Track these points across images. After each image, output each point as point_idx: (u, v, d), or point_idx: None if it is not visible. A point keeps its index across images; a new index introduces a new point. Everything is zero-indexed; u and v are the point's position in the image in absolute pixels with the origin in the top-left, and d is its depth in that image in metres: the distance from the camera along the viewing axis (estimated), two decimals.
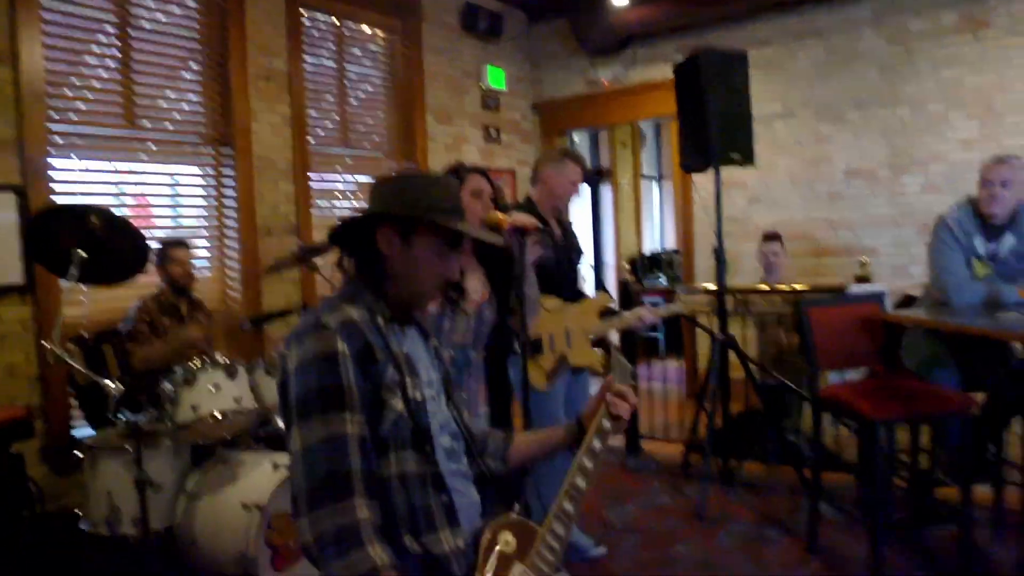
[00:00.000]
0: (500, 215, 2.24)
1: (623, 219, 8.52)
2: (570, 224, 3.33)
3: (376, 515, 1.27)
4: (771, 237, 4.65)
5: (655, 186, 9.47)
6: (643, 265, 8.09)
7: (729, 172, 5.53)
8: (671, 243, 8.75)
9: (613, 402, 1.48)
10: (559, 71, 6.51)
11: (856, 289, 3.81)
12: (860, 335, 3.11)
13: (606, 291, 3.33)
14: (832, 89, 5.28)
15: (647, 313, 3.20)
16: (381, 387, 1.33)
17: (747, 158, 3.77)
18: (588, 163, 3.33)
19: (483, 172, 2.48)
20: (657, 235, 9.45)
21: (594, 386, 2.44)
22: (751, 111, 3.83)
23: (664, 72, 3.99)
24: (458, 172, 2.43)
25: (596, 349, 3.17)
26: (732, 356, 3.93)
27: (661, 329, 7.78)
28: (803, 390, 3.89)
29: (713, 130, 3.65)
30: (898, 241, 5.08)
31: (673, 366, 6.60)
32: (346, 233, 1.47)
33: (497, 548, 1.33)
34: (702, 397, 4.09)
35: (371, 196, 1.49)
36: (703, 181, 4.13)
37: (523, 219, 2.21)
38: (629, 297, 4.72)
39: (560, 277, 3.08)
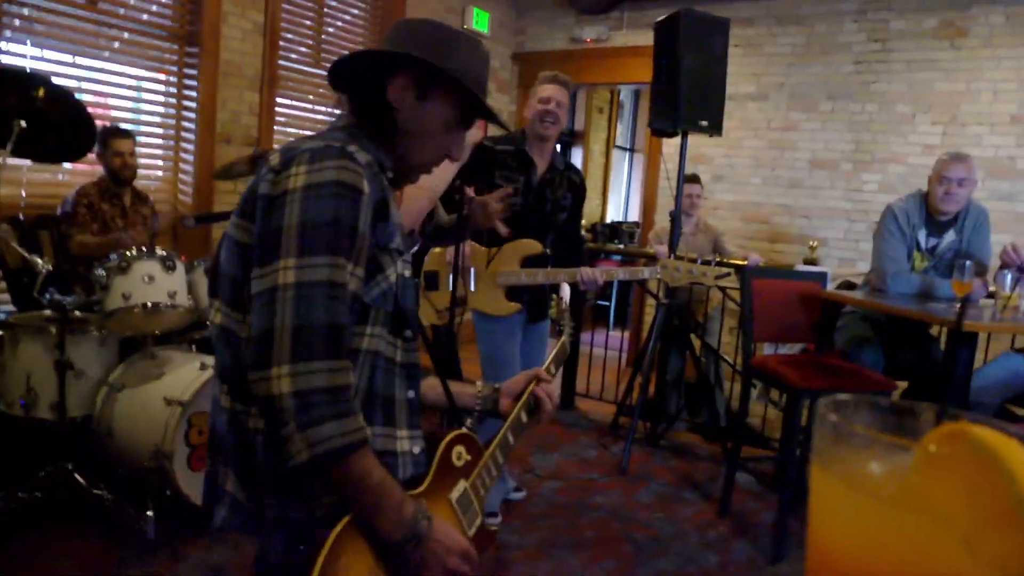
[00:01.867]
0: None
1: (590, 185, 8.52)
2: (565, 168, 2.97)
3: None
4: (690, 179, 4.55)
5: (627, 157, 9.49)
6: (603, 232, 8.14)
7: (697, 147, 5.61)
8: (635, 216, 8.81)
9: (543, 392, 1.43)
10: (544, 24, 6.43)
11: (802, 268, 3.89)
12: (799, 311, 3.19)
13: (535, 239, 2.89)
14: (807, 77, 5.33)
15: (594, 273, 2.75)
16: (384, 250, 1.16)
17: (715, 127, 3.78)
18: (571, 87, 2.88)
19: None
20: (622, 206, 9.50)
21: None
22: (725, 80, 3.83)
23: (649, 38, 3.97)
24: None
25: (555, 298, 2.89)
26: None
27: (612, 299, 7.89)
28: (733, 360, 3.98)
29: (684, 93, 3.64)
30: (849, 235, 5.20)
31: (619, 336, 6.68)
32: (353, 69, 1.25)
33: (451, 458, 1.26)
34: (640, 361, 4.17)
35: (394, 36, 1.25)
36: (671, 153, 4.12)
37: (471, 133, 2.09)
38: (581, 258, 4.75)
39: (525, 224, 2.79)
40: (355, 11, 5.16)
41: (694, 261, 2.77)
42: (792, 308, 3.14)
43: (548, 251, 2.90)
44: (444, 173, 2.05)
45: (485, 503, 1.32)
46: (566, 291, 2.60)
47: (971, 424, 0.32)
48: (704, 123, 3.74)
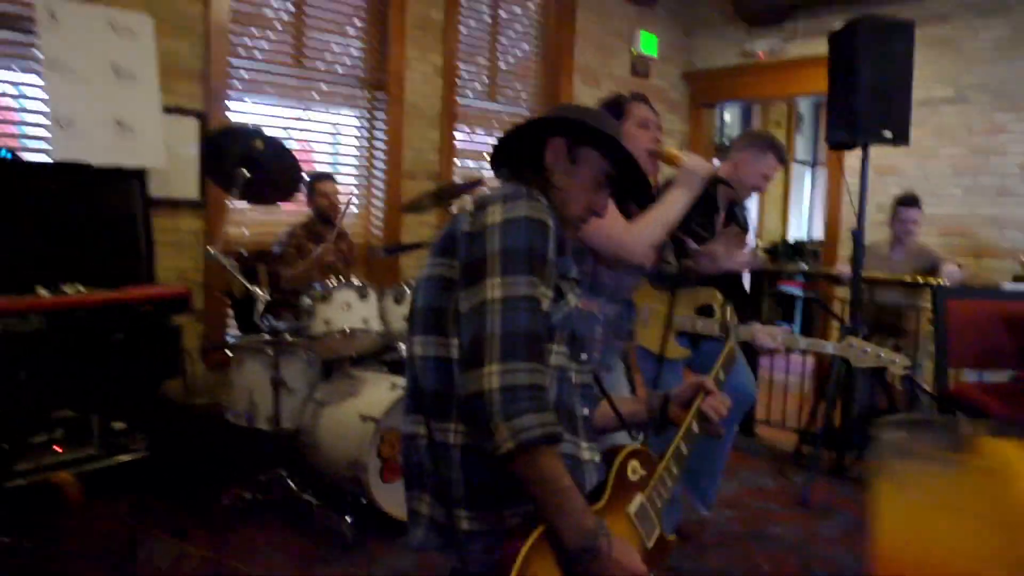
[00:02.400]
0: (675, 151, 2.10)
1: (769, 203, 8.21)
2: (742, 212, 2.97)
3: None
4: (907, 202, 4.27)
5: (808, 172, 9.02)
6: (785, 252, 7.78)
7: (884, 157, 5.23)
8: (819, 233, 8.33)
9: (709, 408, 1.46)
10: (713, 40, 6.33)
11: (1009, 287, 3.51)
12: (1003, 333, 2.90)
13: (717, 289, 2.87)
14: (1015, 73, 4.80)
15: (771, 335, 2.46)
16: (564, 278, 1.32)
17: (901, 137, 3.54)
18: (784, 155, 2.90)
19: (645, 99, 2.21)
20: (805, 223, 9.02)
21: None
22: (911, 86, 3.58)
23: (825, 47, 3.80)
24: (618, 102, 2.16)
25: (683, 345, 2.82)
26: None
27: (797, 320, 7.49)
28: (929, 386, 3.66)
29: (863, 103, 3.45)
30: None
31: (802, 360, 6.34)
32: (514, 142, 1.46)
33: (627, 472, 1.33)
34: (824, 387, 3.96)
35: (548, 113, 1.50)
36: (856, 166, 3.88)
37: (701, 163, 2.06)
38: (760, 281, 4.61)
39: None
40: (526, 46, 5.40)
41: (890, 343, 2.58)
42: (995, 330, 2.87)
43: (727, 304, 2.83)
44: (677, 204, 2.06)
45: (663, 517, 1.36)
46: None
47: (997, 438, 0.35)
48: (888, 133, 3.52)
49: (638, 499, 1.32)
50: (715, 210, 2.81)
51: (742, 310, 2.79)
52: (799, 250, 7.75)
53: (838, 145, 3.79)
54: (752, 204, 8.07)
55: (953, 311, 2.89)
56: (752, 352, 4.64)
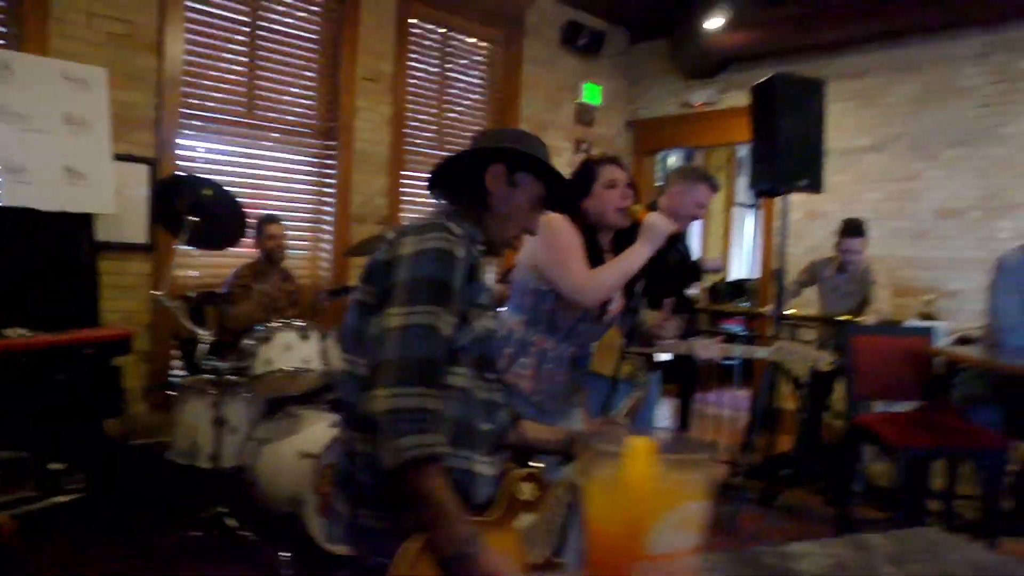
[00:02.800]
0: (640, 209, 2.23)
1: (711, 243, 8.52)
2: (682, 247, 3.13)
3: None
4: (850, 232, 4.33)
5: (750, 214, 9.38)
6: (726, 291, 8.06)
7: (812, 203, 5.56)
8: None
9: None
10: (655, 90, 6.66)
11: (909, 324, 3.77)
12: (904, 367, 3.12)
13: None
14: (927, 125, 5.18)
15: (698, 348, 2.51)
16: (473, 304, 1.41)
17: (815, 185, 3.81)
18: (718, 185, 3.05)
19: (615, 160, 2.32)
20: (747, 263, 9.35)
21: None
22: (824, 139, 3.87)
23: None
24: (588, 165, 2.28)
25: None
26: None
27: (738, 359, 7.72)
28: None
29: (782, 154, 3.72)
30: (984, 286, 4.90)
31: (745, 394, 6.56)
32: (454, 167, 1.56)
33: (519, 491, 1.42)
34: (754, 420, 4.15)
35: (484, 137, 1.61)
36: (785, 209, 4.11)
37: (662, 221, 2.17)
38: (694, 319, 4.81)
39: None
40: (475, 95, 5.64)
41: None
42: (896, 365, 3.08)
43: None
44: (639, 257, 2.19)
45: (560, 541, 1.46)
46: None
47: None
48: (803, 182, 3.78)
49: (527, 518, 1.44)
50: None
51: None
52: (740, 289, 8.03)
53: (762, 192, 4.04)
54: (695, 245, 8.37)
55: (860, 347, 3.10)
56: (689, 389, 4.84)
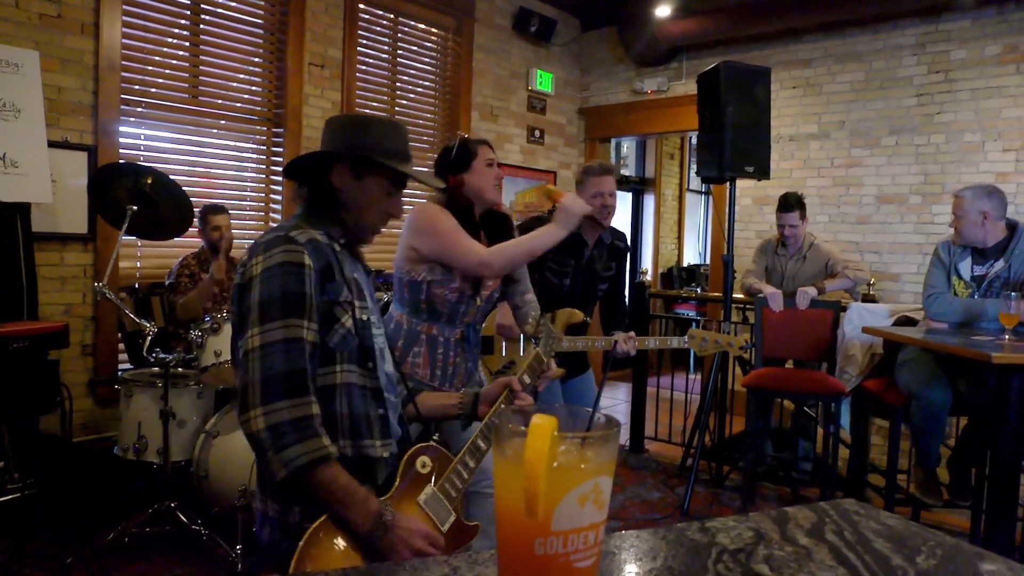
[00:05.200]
0: (556, 189, 2.35)
1: (664, 230, 8.63)
2: (610, 240, 3.13)
3: (320, 414, 1.38)
4: (785, 207, 4.31)
5: (702, 200, 9.54)
6: (680, 276, 8.19)
7: (760, 188, 5.68)
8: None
9: (519, 400, 1.65)
10: (606, 78, 6.71)
11: (856, 306, 3.89)
12: (806, 334, 3.63)
13: (578, 309, 2.94)
14: (868, 113, 5.33)
15: (627, 344, 2.75)
16: (335, 304, 1.46)
17: (762, 171, 3.89)
18: (619, 172, 3.15)
19: (489, 143, 2.42)
20: (702, 248, 9.52)
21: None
22: (770, 126, 3.95)
23: None
24: (467, 144, 2.37)
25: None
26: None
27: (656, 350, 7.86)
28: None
29: (729, 141, 3.78)
30: (923, 268, 5.08)
31: (699, 378, 6.69)
32: (302, 168, 1.61)
33: (415, 466, 1.50)
34: (704, 403, 4.24)
35: (327, 133, 1.61)
36: (737, 195, 4.18)
37: (578, 202, 2.28)
38: (646, 304, 4.88)
39: (573, 301, 2.99)
40: (426, 82, 5.60)
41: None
42: (798, 332, 3.77)
43: (588, 320, 3.04)
44: (549, 237, 2.25)
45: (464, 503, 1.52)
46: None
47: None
48: (750, 168, 3.86)
49: (428, 489, 1.51)
50: (583, 244, 3.02)
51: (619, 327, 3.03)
52: (693, 274, 8.17)
53: (709, 179, 4.11)
54: (648, 231, 8.48)
55: (767, 315, 3.44)
56: (642, 373, 4.91)
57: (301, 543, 1.29)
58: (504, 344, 3.00)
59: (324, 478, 1.32)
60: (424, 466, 1.52)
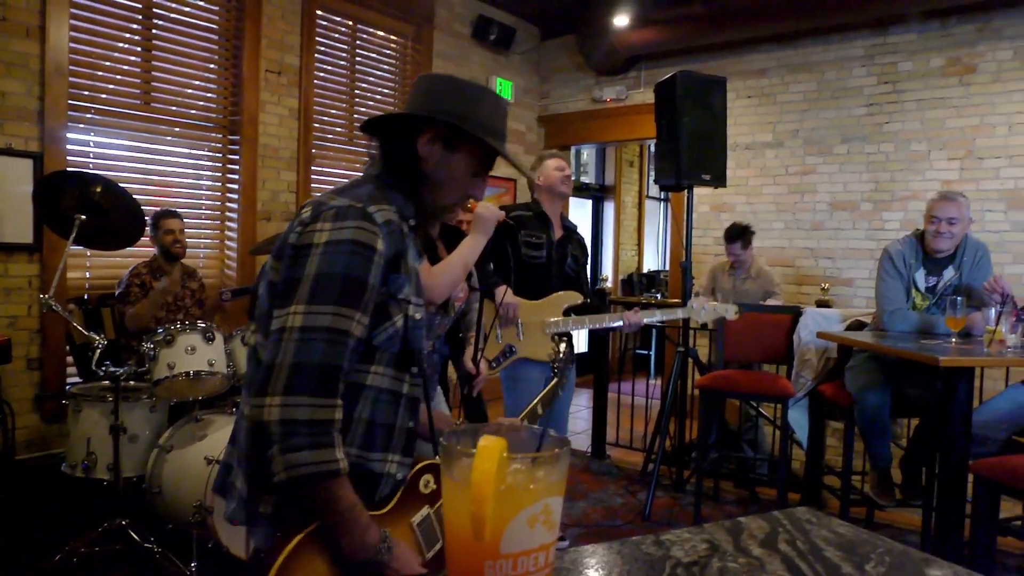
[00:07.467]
0: (472, 201, 2.39)
1: (624, 237, 8.71)
2: (575, 229, 3.34)
3: (340, 420, 1.22)
4: (728, 238, 4.75)
5: (660, 207, 9.65)
6: (640, 283, 8.27)
7: (717, 196, 5.76)
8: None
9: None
10: (566, 86, 6.75)
11: (812, 311, 3.97)
12: (766, 338, 3.84)
13: (577, 291, 3.24)
14: (821, 122, 5.46)
15: (637, 316, 3.07)
16: (392, 299, 1.29)
17: (718, 179, 3.95)
18: (579, 180, 3.41)
19: None
20: (661, 254, 9.63)
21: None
22: (726, 135, 4.01)
23: None
24: None
25: (555, 341, 3.13)
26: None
27: (652, 347, 7.96)
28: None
29: (685, 149, 3.84)
30: (875, 274, 5.21)
31: (659, 384, 6.75)
32: (385, 126, 1.41)
33: (418, 485, 1.38)
34: (664, 408, 4.28)
35: (420, 92, 1.40)
36: (696, 202, 4.29)
37: (492, 209, 2.27)
38: (607, 311, 4.91)
39: (548, 275, 3.13)
40: (385, 89, 5.57)
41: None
42: (758, 335, 3.89)
43: (588, 300, 3.19)
44: (475, 248, 2.27)
45: None
46: (578, 338, 2.85)
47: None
48: (707, 176, 3.91)
49: (424, 511, 1.39)
50: (547, 219, 3.17)
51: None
52: (653, 280, 8.26)
53: (666, 187, 4.16)
54: (609, 238, 8.55)
55: (728, 322, 3.77)
56: (603, 379, 4.93)
57: (284, 554, 1.16)
58: (499, 330, 3.04)
59: (326, 495, 1.18)
60: (427, 486, 1.42)
